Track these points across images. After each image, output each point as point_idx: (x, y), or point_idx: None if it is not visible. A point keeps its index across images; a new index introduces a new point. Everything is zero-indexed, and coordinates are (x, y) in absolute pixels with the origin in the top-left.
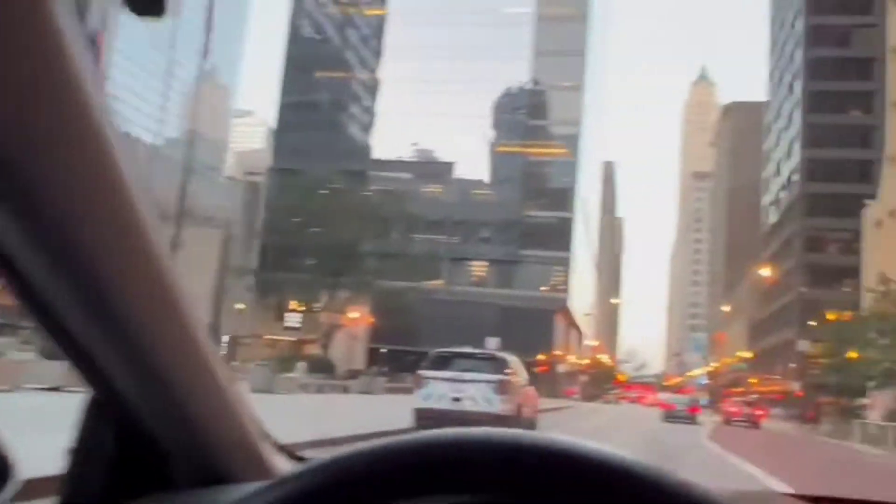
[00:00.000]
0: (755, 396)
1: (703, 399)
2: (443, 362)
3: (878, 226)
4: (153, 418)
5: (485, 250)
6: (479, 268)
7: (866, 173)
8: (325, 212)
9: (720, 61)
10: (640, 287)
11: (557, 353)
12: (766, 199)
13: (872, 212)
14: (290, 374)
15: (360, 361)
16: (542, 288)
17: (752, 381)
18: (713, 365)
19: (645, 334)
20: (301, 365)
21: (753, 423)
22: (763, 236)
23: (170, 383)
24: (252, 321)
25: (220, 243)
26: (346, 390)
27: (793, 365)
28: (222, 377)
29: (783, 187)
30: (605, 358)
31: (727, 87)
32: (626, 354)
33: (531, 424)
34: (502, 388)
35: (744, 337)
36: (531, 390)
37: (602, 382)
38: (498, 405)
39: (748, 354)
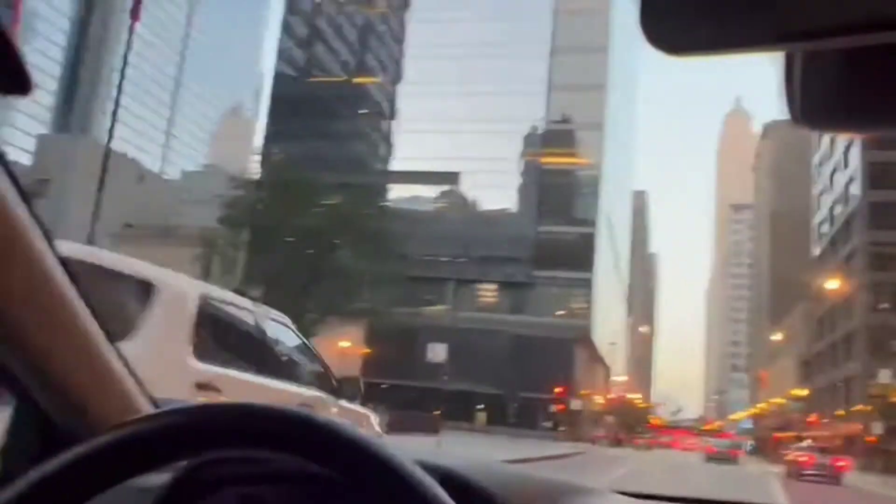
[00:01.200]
0: (808, 442)
1: (748, 445)
2: None
3: None
4: (42, 393)
5: (494, 271)
6: (488, 291)
7: None
8: (315, 230)
9: (755, 92)
10: (675, 328)
11: (580, 389)
12: (817, 218)
13: None
14: None
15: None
16: (559, 312)
17: (810, 421)
18: (758, 406)
19: (682, 377)
20: None
21: (833, 476)
22: (814, 261)
23: (51, 357)
24: None
25: (201, 267)
26: None
27: (861, 406)
28: (102, 351)
29: (838, 200)
30: (636, 397)
31: (763, 117)
32: (662, 397)
33: None
34: None
35: (793, 374)
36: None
37: (633, 425)
38: None
39: (802, 392)
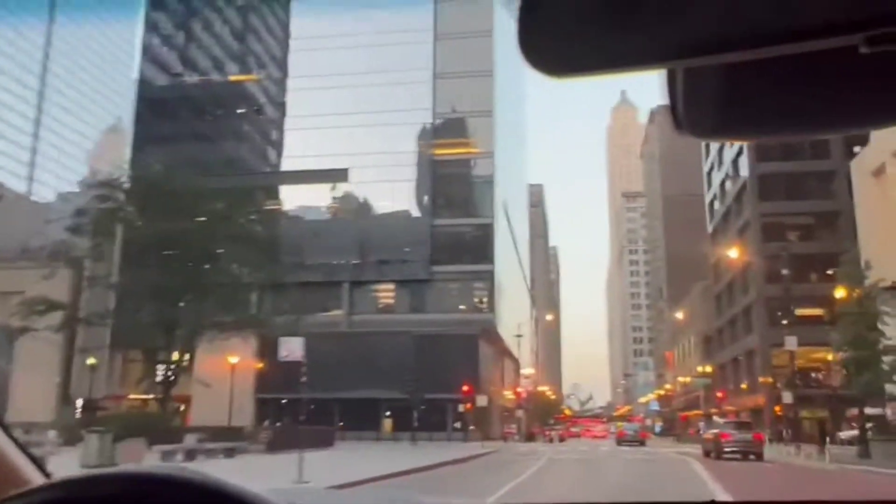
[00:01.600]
0: (718, 418)
1: (657, 426)
2: None
3: (877, 174)
4: None
5: (391, 270)
6: (385, 291)
7: (820, 147)
8: (190, 238)
9: (640, 84)
10: (580, 319)
11: (489, 385)
12: (709, 196)
13: (867, 159)
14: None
15: (247, 416)
16: (462, 307)
17: (718, 397)
18: (665, 388)
19: (590, 367)
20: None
21: (755, 453)
22: (709, 239)
23: None
24: (111, 380)
25: (69, 286)
26: (230, 454)
27: (763, 378)
28: None
29: (727, 176)
30: (546, 390)
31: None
32: (572, 388)
33: None
34: None
35: (697, 352)
36: None
37: (545, 418)
38: None
39: (707, 369)
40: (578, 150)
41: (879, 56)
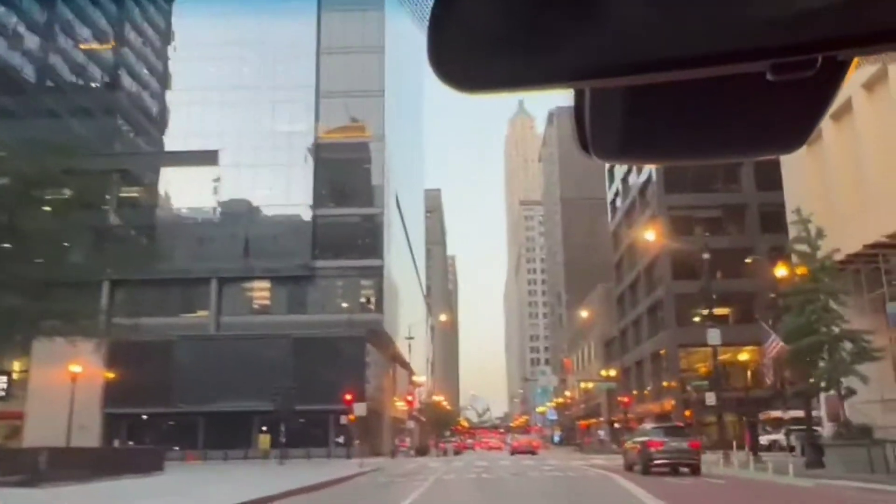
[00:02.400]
0: (649, 425)
1: (556, 436)
2: None
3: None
4: None
5: (265, 265)
6: (259, 289)
7: None
8: (24, 228)
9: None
10: (478, 331)
11: (377, 394)
12: (610, 193)
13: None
14: None
15: (93, 435)
16: (346, 306)
17: (623, 402)
18: (566, 395)
19: (488, 378)
20: None
21: (691, 465)
22: (610, 239)
23: None
24: None
25: None
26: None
27: (667, 383)
28: None
29: (629, 171)
30: (440, 400)
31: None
32: (469, 399)
33: None
34: None
35: (598, 356)
36: None
37: (441, 430)
38: None
39: (610, 373)
40: (476, 160)
41: (785, 84)
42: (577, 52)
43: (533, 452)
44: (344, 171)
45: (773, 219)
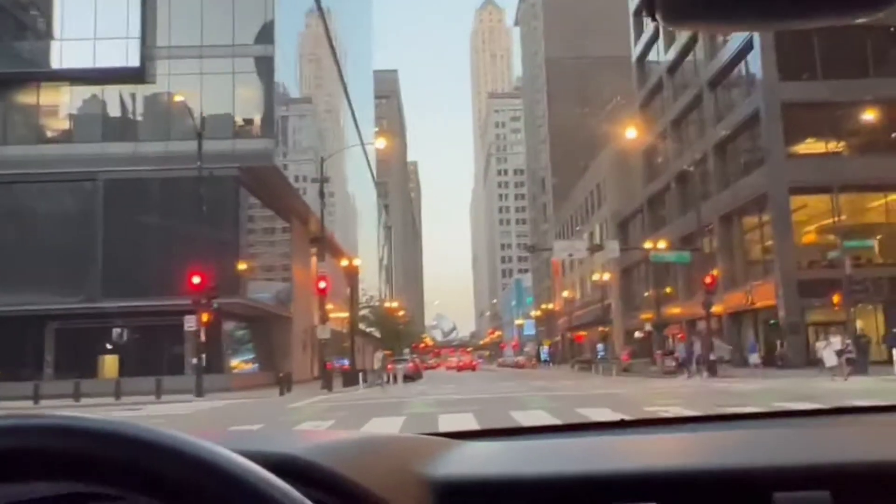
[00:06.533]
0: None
1: (544, 351)
2: None
3: None
4: None
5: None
6: (48, 98)
7: None
8: None
9: None
10: (443, 247)
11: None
12: (639, 46)
13: None
14: None
15: None
16: (207, 127)
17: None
18: (549, 306)
19: (455, 297)
20: None
21: None
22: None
23: None
24: None
25: None
26: None
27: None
28: None
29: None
30: (395, 306)
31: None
32: (435, 318)
33: None
34: None
35: (612, 239)
36: None
37: (398, 347)
38: None
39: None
40: (441, 55)
41: None
42: None
43: (473, 369)
44: None
45: None
